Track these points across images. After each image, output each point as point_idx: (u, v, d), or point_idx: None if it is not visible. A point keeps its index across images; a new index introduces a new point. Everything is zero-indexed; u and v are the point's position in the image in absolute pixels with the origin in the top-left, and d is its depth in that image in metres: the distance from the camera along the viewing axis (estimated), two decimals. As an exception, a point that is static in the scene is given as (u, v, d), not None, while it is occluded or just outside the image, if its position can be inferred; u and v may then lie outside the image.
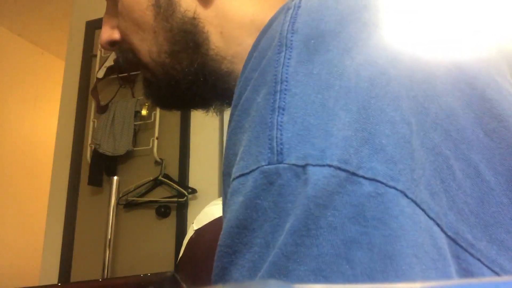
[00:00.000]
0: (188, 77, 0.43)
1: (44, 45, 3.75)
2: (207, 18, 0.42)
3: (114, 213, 1.85)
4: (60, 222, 2.12)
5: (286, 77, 0.26)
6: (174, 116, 2.08)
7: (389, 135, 0.23)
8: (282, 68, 0.26)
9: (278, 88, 0.26)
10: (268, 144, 0.24)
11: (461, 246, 0.23)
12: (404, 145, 0.23)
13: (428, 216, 0.23)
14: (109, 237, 1.83)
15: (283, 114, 0.25)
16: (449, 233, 0.23)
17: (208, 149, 1.99)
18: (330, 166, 0.22)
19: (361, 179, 0.22)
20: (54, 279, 2.04)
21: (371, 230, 0.21)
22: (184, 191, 1.91)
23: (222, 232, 0.26)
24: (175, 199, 1.94)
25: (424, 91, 0.26)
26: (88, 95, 2.24)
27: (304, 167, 0.23)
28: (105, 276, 1.78)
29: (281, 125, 0.24)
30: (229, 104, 0.47)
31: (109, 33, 0.47)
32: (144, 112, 2.02)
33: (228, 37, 0.42)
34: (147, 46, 0.44)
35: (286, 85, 0.25)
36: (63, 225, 2.11)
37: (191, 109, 0.50)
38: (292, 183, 0.23)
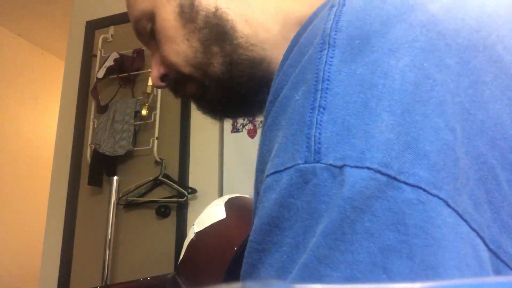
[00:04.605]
0: (227, 70, 0.44)
1: (44, 45, 3.75)
2: (229, 8, 0.43)
3: (114, 213, 1.85)
4: (60, 222, 2.12)
5: (328, 76, 0.25)
6: (174, 116, 2.08)
7: (433, 141, 0.23)
8: (325, 66, 0.26)
9: (319, 87, 0.25)
10: (305, 142, 0.24)
11: (503, 261, 0.23)
12: (447, 152, 0.23)
13: (471, 227, 0.22)
14: (109, 237, 1.83)
15: (323, 113, 0.24)
16: (492, 246, 0.22)
17: (208, 149, 1.99)
18: (369, 168, 0.22)
19: (402, 185, 0.21)
20: (54, 279, 2.04)
21: (412, 239, 0.20)
22: (184, 191, 1.91)
23: (253, 228, 0.26)
24: (175, 199, 1.94)
25: (470, 97, 0.25)
26: (88, 95, 2.24)
27: (341, 168, 0.22)
28: (105, 276, 1.78)
29: (320, 124, 0.24)
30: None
31: (156, 70, 0.50)
32: (144, 112, 2.02)
33: (254, 24, 0.43)
34: (184, 56, 0.46)
35: (327, 84, 0.25)
36: (63, 225, 2.11)
37: (244, 113, 0.51)
38: (328, 183, 0.23)
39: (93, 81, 2.23)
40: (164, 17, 0.46)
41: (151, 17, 0.47)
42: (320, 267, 0.21)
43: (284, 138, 0.26)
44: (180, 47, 0.46)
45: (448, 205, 0.22)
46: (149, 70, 2.06)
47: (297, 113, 0.26)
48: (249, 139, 1.93)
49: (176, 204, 1.95)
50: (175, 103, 2.08)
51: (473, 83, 0.25)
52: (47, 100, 3.77)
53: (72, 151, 2.21)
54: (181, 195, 1.92)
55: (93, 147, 2.10)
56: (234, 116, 0.52)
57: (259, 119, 1.92)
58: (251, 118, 1.93)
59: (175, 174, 1.99)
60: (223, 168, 1.95)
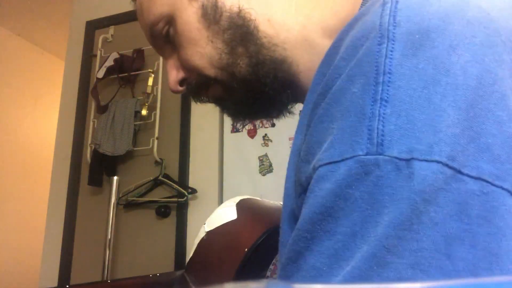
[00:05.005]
0: (254, 71, 0.44)
1: (44, 45, 3.75)
2: (252, 8, 0.43)
3: (114, 213, 1.85)
4: (60, 222, 2.12)
5: (390, 69, 0.25)
6: (174, 116, 2.08)
7: (496, 134, 0.23)
8: (385, 59, 0.26)
9: (381, 80, 0.25)
10: (367, 134, 0.24)
11: None
12: (511, 144, 0.23)
13: None
14: (109, 237, 1.83)
15: (385, 106, 0.24)
16: None
17: (208, 149, 1.99)
18: (438, 162, 0.23)
19: (465, 177, 0.22)
20: (54, 279, 2.04)
21: (475, 228, 0.21)
22: (184, 191, 1.91)
23: (302, 216, 0.26)
24: (175, 199, 1.94)
25: None
26: (88, 95, 2.24)
27: (408, 161, 0.23)
28: (105, 276, 1.78)
29: (383, 117, 0.24)
30: (294, 100, 0.47)
31: (174, 74, 0.49)
32: (144, 112, 2.02)
33: (276, 24, 0.43)
34: (208, 58, 0.45)
35: (389, 77, 0.25)
36: (63, 225, 2.11)
37: (272, 113, 0.50)
38: (392, 176, 0.23)
39: (93, 81, 2.23)
40: (186, 20, 0.45)
41: (169, 20, 0.47)
42: (387, 256, 0.22)
43: (340, 130, 0.26)
44: (204, 50, 0.45)
45: None
46: (149, 70, 2.06)
47: (355, 105, 0.26)
48: (249, 139, 1.93)
49: (176, 204, 1.95)
50: (175, 103, 2.08)
51: None
52: (47, 100, 3.77)
53: (72, 151, 2.21)
54: (181, 195, 1.92)
55: (93, 147, 2.10)
56: (257, 117, 0.52)
57: (260, 119, 1.92)
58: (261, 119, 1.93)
59: (175, 174, 1.99)
60: (223, 168, 1.95)
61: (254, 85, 0.45)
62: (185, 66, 0.48)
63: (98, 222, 2.00)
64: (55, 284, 2.03)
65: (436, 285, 0.14)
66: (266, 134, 1.91)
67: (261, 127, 1.92)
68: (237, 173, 1.92)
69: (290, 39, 0.43)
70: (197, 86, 0.48)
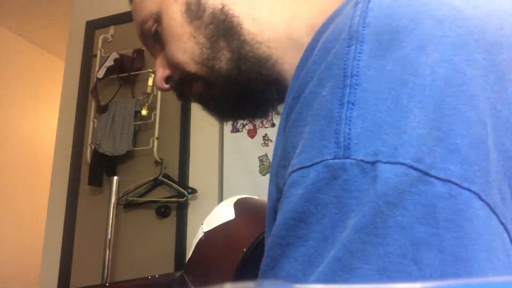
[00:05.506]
0: (235, 66, 0.44)
1: (44, 45, 3.75)
2: (236, 5, 0.44)
3: (114, 213, 1.85)
4: (60, 222, 2.12)
5: (357, 71, 0.25)
6: (174, 116, 2.08)
7: (464, 135, 0.23)
8: (353, 62, 0.25)
9: (348, 82, 0.25)
10: (334, 138, 0.24)
11: None
12: (479, 146, 0.23)
13: (500, 221, 0.22)
14: (109, 237, 1.83)
15: (352, 109, 0.24)
16: None
17: (208, 149, 1.99)
18: (402, 164, 0.22)
19: (433, 180, 0.22)
20: (54, 279, 2.04)
21: (442, 232, 0.21)
22: (184, 191, 1.91)
23: (277, 223, 0.26)
24: (175, 199, 1.94)
25: (497, 93, 0.25)
26: (88, 95, 2.24)
27: (373, 163, 0.23)
28: (105, 276, 1.78)
29: (350, 120, 0.24)
30: (281, 98, 0.47)
31: (161, 72, 0.50)
32: (144, 112, 2.02)
33: (260, 23, 0.43)
34: (190, 53, 0.46)
35: (356, 80, 0.25)
36: (63, 225, 2.11)
37: (257, 112, 0.50)
38: (359, 179, 0.23)
39: (93, 81, 2.23)
40: (170, 16, 0.46)
41: (157, 18, 0.47)
42: (352, 260, 0.21)
43: (311, 134, 0.26)
44: (186, 45, 0.46)
45: (480, 198, 0.22)
46: (149, 70, 2.06)
47: (324, 108, 0.25)
48: (249, 139, 1.93)
49: (176, 204, 1.95)
50: (175, 103, 2.08)
51: (499, 80, 0.25)
52: (47, 100, 3.77)
53: (72, 151, 2.21)
54: (181, 195, 1.92)
55: (93, 147, 2.10)
56: (240, 116, 0.52)
57: (259, 119, 1.92)
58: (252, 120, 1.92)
59: (175, 174, 1.99)
60: (223, 168, 1.95)
61: (236, 81, 0.45)
62: (170, 63, 0.48)
63: (98, 222, 2.00)
64: (55, 285, 2.03)
65: (436, 285, 0.14)
66: (266, 134, 1.91)
67: (261, 127, 1.92)
68: (237, 173, 1.92)
69: (275, 38, 0.43)
70: (180, 82, 0.49)
